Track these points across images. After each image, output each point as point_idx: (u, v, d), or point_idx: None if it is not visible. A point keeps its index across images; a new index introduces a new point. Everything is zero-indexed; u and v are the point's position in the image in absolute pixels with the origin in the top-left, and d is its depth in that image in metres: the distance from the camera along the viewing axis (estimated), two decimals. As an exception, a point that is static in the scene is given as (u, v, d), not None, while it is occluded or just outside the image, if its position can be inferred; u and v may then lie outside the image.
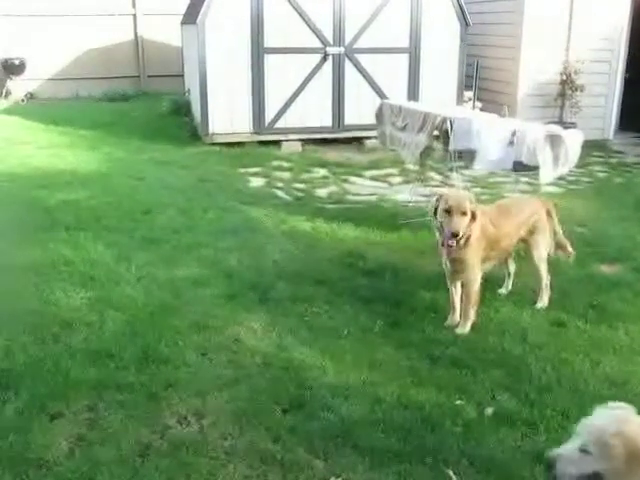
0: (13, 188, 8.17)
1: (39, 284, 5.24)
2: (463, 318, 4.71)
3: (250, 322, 4.64)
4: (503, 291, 5.32)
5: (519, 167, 6.20)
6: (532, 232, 5.03)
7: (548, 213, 5.14)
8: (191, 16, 11.56)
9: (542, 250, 5.09)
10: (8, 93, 16.08)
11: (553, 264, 5.30)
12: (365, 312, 4.93)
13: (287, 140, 10.85)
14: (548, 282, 5.13)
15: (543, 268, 5.10)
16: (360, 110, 10.84)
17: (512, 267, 5.38)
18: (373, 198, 8.29)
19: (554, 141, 5.97)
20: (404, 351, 4.18)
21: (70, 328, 4.51)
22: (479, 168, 6.53)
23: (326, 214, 7.34)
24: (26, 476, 3.09)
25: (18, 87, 16.02)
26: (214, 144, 10.73)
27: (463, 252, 4.60)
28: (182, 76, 14.78)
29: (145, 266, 5.64)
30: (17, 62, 15.88)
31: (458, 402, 3.78)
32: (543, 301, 5.11)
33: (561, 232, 5.27)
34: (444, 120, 6.29)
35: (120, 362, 4.07)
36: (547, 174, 6.11)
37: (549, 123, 6.88)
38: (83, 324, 4.57)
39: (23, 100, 15.80)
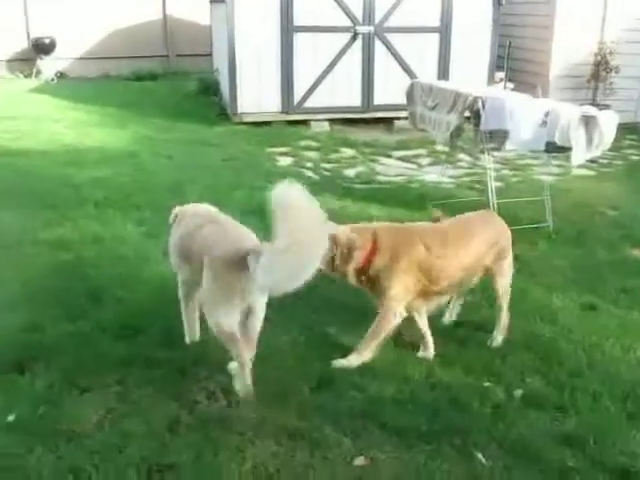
0: (43, 165, 8.21)
1: (69, 260, 5.28)
2: (357, 347, 3.90)
3: (277, 301, 4.61)
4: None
5: (551, 148, 6.11)
6: (496, 258, 4.17)
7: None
8: (221, -6, 11.51)
9: (507, 280, 4.25)
10: (38, 72, 16.17)
11: (590, 244, 5.17)
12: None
13: (315, 120, 10.80)
14: (507, 322, 4.25)
15: (504, 304, 4.24)
16: (389, 90, 10.75)
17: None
18: (401, 179, 8.24)
19: (589, 122, 5.87)
20: (432, 332, 4.14)
21: (100, 303, 4.53)
22: (510, 149, 6.45)
23: (354, 194, 7.31)
24: (56, 448, 3.11)
25: (48, 66, 16.10)
26: (242, 123, 10.71)
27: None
28: (211, 55, 14.75)
29: (171, 243, 5.66)
30: (47, 41, 15.96)
31: (487, 384, 3.75)
32: (497, 340, 4.21)
33: None
34: (475, 100, 6.21)
35: (149, 337, 4.08)
36: (579, 156, 6.02)
37: (583, 105, 6.77)
38: (112, 299, 4.59)
39: (53, 79, 15.88)
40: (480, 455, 3.16)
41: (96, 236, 5.79)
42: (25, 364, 3.78)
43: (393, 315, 3.87)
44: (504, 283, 4.23)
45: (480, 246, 4.09)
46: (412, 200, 7.14)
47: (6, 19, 15.91)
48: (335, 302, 4.66)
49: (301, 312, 4.49)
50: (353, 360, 3.85)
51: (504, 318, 4.23)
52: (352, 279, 3.94)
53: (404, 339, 4.15)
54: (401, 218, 6.46)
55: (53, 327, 4.20)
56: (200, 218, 3.89)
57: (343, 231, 3.89)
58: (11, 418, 3.31)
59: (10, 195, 6.88)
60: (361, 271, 3.89)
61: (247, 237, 3.68)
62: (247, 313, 3.53)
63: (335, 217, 6.35)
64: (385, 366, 3.84)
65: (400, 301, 3.87)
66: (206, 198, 6.81)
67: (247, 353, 3.52)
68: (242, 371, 3.51)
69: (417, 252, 3.87)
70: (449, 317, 4.41)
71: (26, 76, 16.24)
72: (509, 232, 4.27)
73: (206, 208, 4.13)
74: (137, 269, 5.13)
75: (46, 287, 4.78)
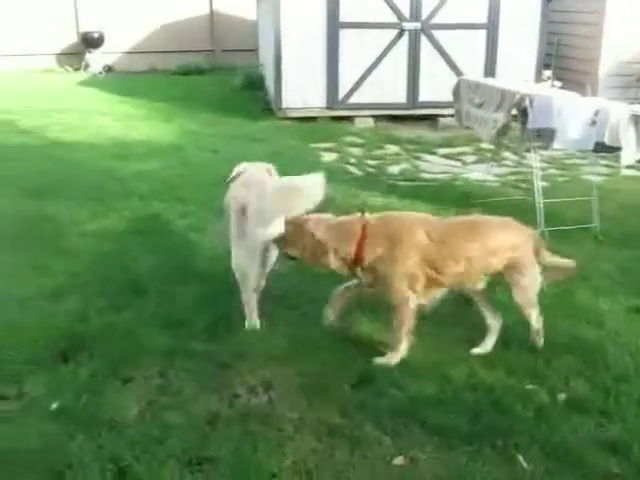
0: (90, 158, 8.33)
1: (114, 252, 5.35)
2: (391, 345, 3.90)
3: (320, 296, 4.61)
4: (479, 350, 4.02)
5: (600, 148, 5.98)
6: (511, 269, 3.96)
7: (536, 250, 4.03)
8: (267, -10, 11.54)
9: (529, 293, 4.01)
10: (87, 66, 16.43)
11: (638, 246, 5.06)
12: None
13: (360, 116, 10.76)
14: (540, 328, 4.06)
15: (532, 314, 4.03)
16: (435, 87, 10.66)
17: (494, 320, 4.10)
18: (446, 176, 8.16)
19: (639, 122, 5.75)
20: (475, 332, 4.10)
21: (144, 296, 4.57)
22: (558, 148, 6.34)
23: (398, 191, 7.27)
24: (98, 436, 3.14)
25: (96, 60, 16.33)
26: (287, 118, 10.73)
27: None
28: (256, 50, 14.81)
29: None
30: (96, 35, 16.20)
31: (530, 386, 3.69)
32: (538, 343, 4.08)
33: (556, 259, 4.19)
34: (523, 97, 6.11)
35: (192, 330, 4.11)
36: (629, 156, 5.90)
37: (633, 104, 6.63)
38: (156, 291, 4.63)
39: (101, 72, 16.11)
40: (521, 458, 3.11)
41: (140, 228, 5.86)
42: (69, 353, 3.84)
43: (406, 303, 3.82)
44: (523, 297, 4.00)
45: (487, 244, 3.91)
46: (456, 198, 7.06)
47: (57, 14, 16.17)
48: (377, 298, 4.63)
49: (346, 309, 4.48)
50: (391, 358, 3.84)
51: (535, 325, 4.05)
52: (345, 271, 3.93)
53: (447, 337, 4.11)
54: (446, 215, 6.43)
55: (98, 317, 4.26)
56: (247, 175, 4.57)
57: (315, 222, 3.88)
58: (54, 406, 3.36)
59: (58, 187, 6.99)
60: (355, 263, 3.84)
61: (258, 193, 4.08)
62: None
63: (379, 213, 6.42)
64: (426, 365, 3.80)
65: (407, 287, 3.81)
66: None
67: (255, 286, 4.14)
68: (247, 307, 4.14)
69: (417, 237, 3.80)
70: (483, 350, 4.04)
71: (75, 69, 16.51)
72: (529, 247, 3.99)
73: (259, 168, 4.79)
74: (181, 262, 5.17)
75: (92, 278, 4.85)
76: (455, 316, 4.45)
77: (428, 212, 6.41)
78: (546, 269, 4.06)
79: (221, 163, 8.15)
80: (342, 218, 4.00)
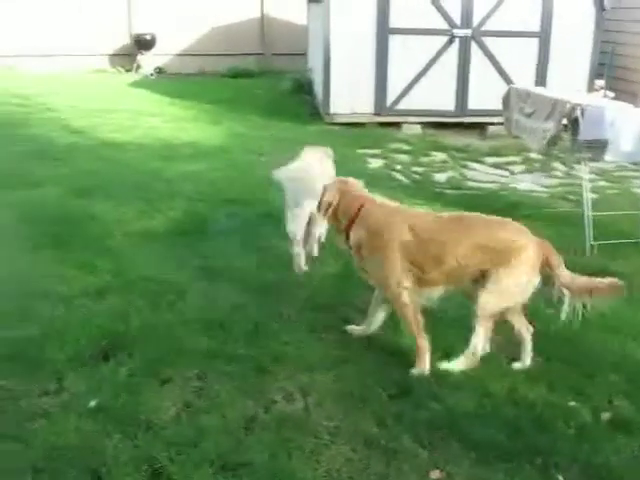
0: (138, 158, 8.43)
1: (158, 252, 5.39)
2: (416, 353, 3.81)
3: (361, 303, 4.59)
4: (519, 366, 3.91)
5: (653, 161, 5.86)
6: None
7: (547, 261, 3.76)
8: (318, -6, 11.56)
9: (489, 304, 3.75)
10: (138, 67, 16.64)
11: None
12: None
13: (407, 122, 10.70)
14: (477, 350, 3.79)
15: (478, 329, 3.77)
16: (484, 95, 10.53)
17: (525, 330, 3.96)
18: (493, 186, 8.06)
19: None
20: (518, 346, 4.02)
21: (185, 297, 4.60)
22: (609, 160, 6.20)
23: (444, 199, 7.20)
24: (134, 436, 3.16)
25: (148, 61, 16.53)
26: (334, 124, 10.72)
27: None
28: (305, 55, 14.84)
29: (263, 239, 5.71)
30: (148, 37, 16.39)
31: (572, 404, 3.60)
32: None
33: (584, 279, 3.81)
34: (574, 107, 5.99)
35: (231, 333, 4.11)
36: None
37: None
38: (198, 294, 4.65)
39: (152, 74, 16.28)
40: (561, 477, 3.04)
41: (185, 229, 5.89)
42: (110, 352, 3.87)
43: (398, 299, 3.80)
44: (481, 304, 3.74)
45: (477, 241, 3.74)
46: (503, 208, 6.91)
47: (110, 15, 16.43)
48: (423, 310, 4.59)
49: (385, 320, 4.44)
50: (422, 364, 3.77)
51: (473, 340, 3.79)
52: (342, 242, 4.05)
53: (490, 351, 4.04)
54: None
55: (139, 317, 4.28)
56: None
57: (334, 187, 4.05)
58: (93, 404, 3.39)
59: (106, 187, 7.07)
60: (345, 236, 3.96)
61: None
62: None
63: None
64: (466, 379, 3.73)
65: (395, 283, 3.77)
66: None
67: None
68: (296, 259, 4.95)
69: (395, 233, 3.75)
70: (522, 365, 3.92)
71: (127, 70, 16.72)
72: (517, 245, 3.74)
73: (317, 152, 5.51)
74: (224, 264, 5.18)
75: (135, 278, 4.88)
76: (499, 328, 4.38)
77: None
78: (572, 289, 3.76)
79: (267, 166, 8.17)
80: (358, 193, 4.04)
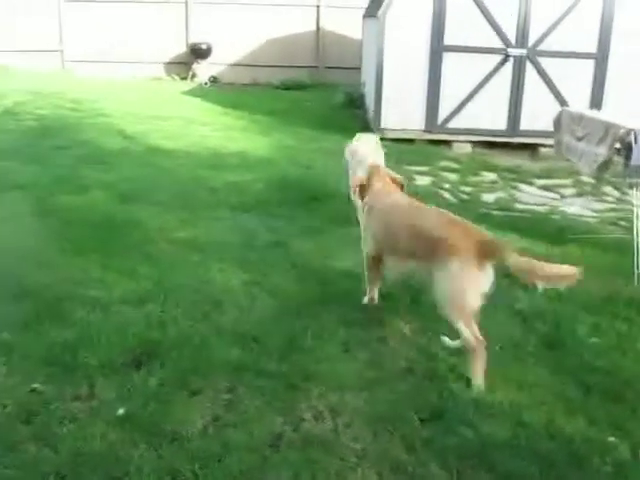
0: (186, 166, 8.49)
1: (198, 261, 5.38)
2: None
3: (399, 324, 4.52)
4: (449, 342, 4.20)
5: None
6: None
7: (484, 252, 3.84)
8: (373, 10, 11.55)
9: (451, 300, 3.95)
10: (194, 75, 16.86)
11: None
12: (521, 328, 4.68)
13: (458, 141, 10.60)
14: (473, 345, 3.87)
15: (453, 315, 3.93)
16: (537, 115, 10.43)
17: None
18: (542, 208, 7.91)
19: None
20: (557, 375, 3.91)
21: (221, 308, 4.57)
22: (662, 187, 6.04)
23: (491, 221, 7.06)
24: (159, 447, 3.13)
25: (203, 70, 16.73)
26: (384, 139, 10.61)
27: None
28: (359, 69, 14.83)
29: (302, 254, 5.66)
30: (204, 47, 16.60)
31: (611, 439, 3.46)
32: (475, 378, 3.82)
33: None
34: (628, 132, 5.85)
35: (264, 348, 4.06)
36: None
37: None
38: (234, 305, 4.62)
39: (206, 83, 16.47)
40: (595, 516, 2.93)
41: (227, 240, 5.89)
42: (142, 360, 3.86)
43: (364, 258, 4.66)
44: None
45: (419, 224, 4.14)
46: (551, 232, 6.81)
47: (168, 24, 16.68)
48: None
49: (424, 339, 4.37)
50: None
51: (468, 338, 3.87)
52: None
53: (529, 379, 3.94)
54: (537, 251, 6.20)
55: (174, 326, 4.27)
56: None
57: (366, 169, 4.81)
58: (121, 411, 3.37)
59: (151, 193, 7.12)
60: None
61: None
62: None
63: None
64: (503, 406, 3.63)
65: (369, 246, 4.58)
66: (341, 211, 6.90)
67: None
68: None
69: (373, 212, 4.53)
70: None
71: (182, 79, 16.95)
72: (456, 233, 3.93)
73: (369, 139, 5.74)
74: (263, 277, 5.14)
75: (174, 286, 4.87)
76: (539, 355, 4.27)
77: (521, 245, 6.31)
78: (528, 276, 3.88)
79: (313, 179, 8.18)
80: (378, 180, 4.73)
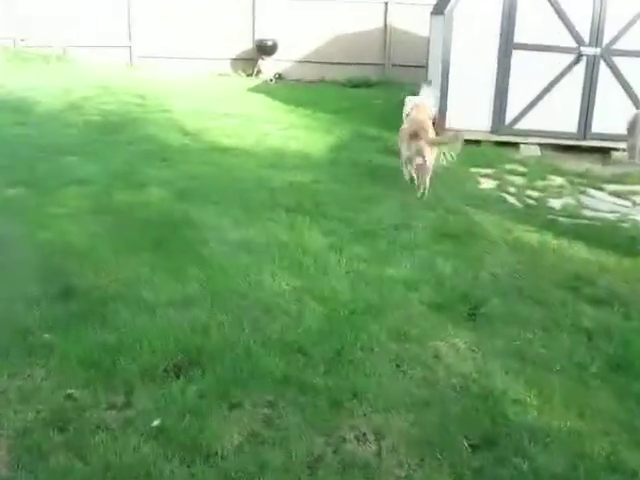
0: (246, 165, 8.38)
1: (249, 264, 5.25)
2: None
3: (454, 338, 4.29)
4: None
5: None
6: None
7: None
8: (440, 6, 11.26)
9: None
10: (259, 72, 16.79)
11: None
12: (584, 346, 4.40)
13: (525, 143, 10.24)
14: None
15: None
16: (610, 118, 9.98)
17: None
18: (612, 216, 7.53)
19: None
20: (623, 401, 3.64)
21: (269, 314, 4.42)
22: None
23: (557, 228, 6.76)
24: (192, 464, 3.00)
25: (268, 67, 16.65)
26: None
27: None
28: (425, 67, 14.52)
29: (356, 260, 5.47)
30: (270, 43, 16.50)
31: (681, 473, 3.19)
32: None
33: None
34: None
35: (310, 360, 3.89)
36: None
37: None
38: (282, 312, 4.47)
39: (271, 80, 16.38)
40: None
41: (281, 242, 5.74)
42: (183, 366, 3.74)
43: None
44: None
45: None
46: (621, 241, 6.46)
47: (235, 21, 16.67)
48: (521, 349, 4.26)
49: (479, 355, 4.14)
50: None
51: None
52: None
53: (593, 404, 3.68)
54: (606, 263, 5.89)
55: (219, 332, 4.15)
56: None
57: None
58: (156, 423, 3.26)
59: (208, 192, 7.03)
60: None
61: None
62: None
63: (532, 251, 6.00)
64: (561, 434, 3.37)
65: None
66: (397, 214, 6.71)
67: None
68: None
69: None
70: None
71: (248, 75, 16.90)
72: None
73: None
74: (314, 282, 4.97)
75: (222, 289, 4.75)
76: (604, 378, 4.00)
77: (588, 256, 6.01)
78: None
79: (372, 181, 7.97)
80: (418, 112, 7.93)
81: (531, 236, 6.41)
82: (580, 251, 6.14)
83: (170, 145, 9.17)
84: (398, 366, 3.93)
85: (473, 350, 4.20)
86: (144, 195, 6.85)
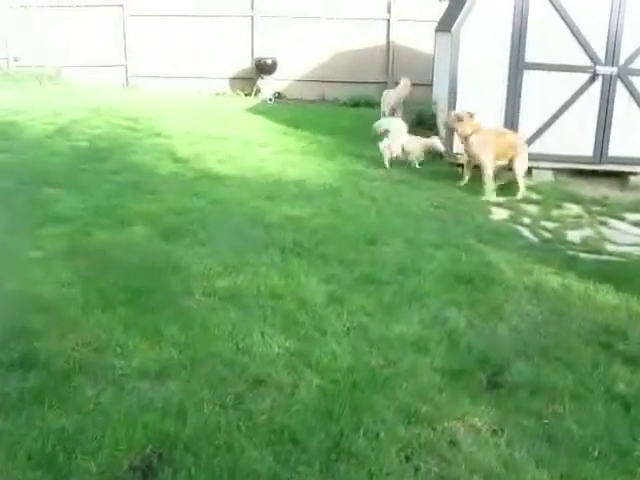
0: (238, 195, 7.79)
1: (237, 321, 4.62)
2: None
3: (473, 417, 3.66)
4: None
5: None
6: None
7: None
8: (446, 24, 10.69)
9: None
10: (258, 91, 16.29)
11: None
12: (624, 421, 3.79)
13: (538, 168, 9.62)
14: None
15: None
16: (628, 141, 9.44)
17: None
18: (636, 250, 6.92)
19: None
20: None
21: (257, 389, 3.79)
22: None
23: (579, 267, 6.13)
24: None
25: (268, 86, 16.13)
26: (456, 164, 9.77)
27: None
28: (431, 85, 13.96)
29: (359, 313, 4.84)
30: (269, 62, 16.02)
31: None
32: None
33: None
34: None
35: (303, 452, 3.25)
36: None
37: None
38: (273, 385, 3.84)
39: (270, 99, 15.87)
40: None
41: (274, 292, 5.11)
42: (151, 465, 3.12)
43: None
44: None
45: None
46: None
47: (233, 40, 16.19)
48: (551, 429, 3.63)
49: (503, 441, 3.52)
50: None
51: None
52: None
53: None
54: (635, 309, 5.27)
55: (197, 415, 3.52)
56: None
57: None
58: None
59: (197, 229, 6.43)
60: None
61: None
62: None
63: (554, 297, 5.38)
64: None
65: None
66: (404, 255, 6.09)
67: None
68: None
69: None
70: None
71: (246, 95, 16.41)
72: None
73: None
74: (311, 345, 4.32)
75: (203, 356, 4.12)
76: None
77: (615, 300, 5.40)
78: None
79: (377, 214, 7.38)
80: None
81: (553, 279, 5.78)
82: (607, 296, 5.51)
83: (159, 174, 8.57)
84: (408, 459, 3.29)
85: (495, 432, 3.57)
86: (125, 234, 6.25)
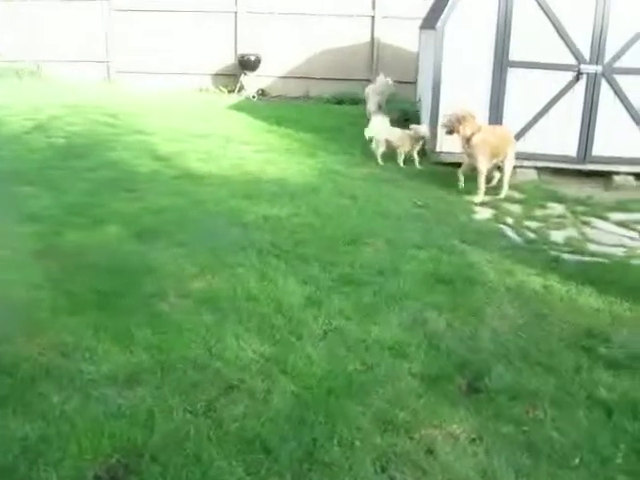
0: (219, 194, 7.64)
1: (211, 324, 4.50)
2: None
3: (451, 424, 3.56)
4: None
5: None
6: None
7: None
8: (431, 21, 10.61)
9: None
10: (241, 88, 16.14)
11: None
12: (606, 427, 3.68)
13: (522, 167, 9.53)
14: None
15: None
16: (612, 140, 9.33)
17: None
18: (619, 251, 6.82)
19: None
20: None
21: (229, 396, 3.68)
22: None
23: (562, 269, 6.03)
24: None
25: (251, 83, 15.99)
26: (440, 163, 9.68)
27: None
28: (415, 83, 13.88)
29: (336, 316, 4.72)
30: (253, 58, 15.89)
31: None
32: None
33: None
34: None
35: (275, 462, 3.14)
36: None
37: None
38: (246, 392, 3.73)
39: (254, 96, 15.75)
40: None
41: (250, 294, 5.00)
42: (115, 477, 3.00)
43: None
44: None
45: None
46: (632, 285, 5.72)
47: (217, 36, 16.05)
48: (530, 437, 3.54)
49: (482, 449, 3.42)
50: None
51: None
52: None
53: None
54: (617, 311, 5.19)
55: (166, 422, 3.40)
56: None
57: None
58: None
59: (174, 229, 6.30)
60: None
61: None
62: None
63: (536, 299, 5.29)
64: None
65: None
66: (384, 256, 5.99)
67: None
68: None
69: None
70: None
71: (229, 91, 16.27)
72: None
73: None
74: (286, 349, 4.20)
75: (176, 361, 4.00)
76: (634, 472, 3.30)
77: (597, 303, 5.32)
78: None
79: (357, 213, 7.27)
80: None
81: (535, 280, 5.68)
82: (590, 298, 5.42)
83: (138, 172, 8.43)
84: (383, 469, 3.18)
85: (474, 440, 3.47)
86: (99, 234, 6.11)
